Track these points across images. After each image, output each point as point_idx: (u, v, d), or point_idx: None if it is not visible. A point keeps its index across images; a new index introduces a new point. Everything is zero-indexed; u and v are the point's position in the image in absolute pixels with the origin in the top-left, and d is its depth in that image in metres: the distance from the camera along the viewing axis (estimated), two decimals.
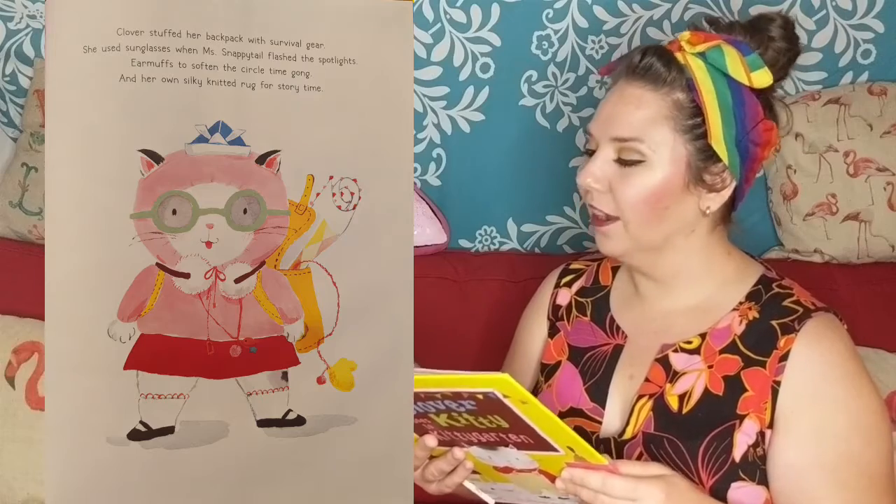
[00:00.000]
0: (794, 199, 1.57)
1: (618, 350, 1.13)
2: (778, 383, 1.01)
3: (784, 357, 1.01)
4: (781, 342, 1.02)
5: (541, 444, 0.90)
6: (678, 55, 1.05)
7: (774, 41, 1.06)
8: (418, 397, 0.88)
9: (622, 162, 1.04)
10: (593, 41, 1.60)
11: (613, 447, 1.07)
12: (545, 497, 0.98)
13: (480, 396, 0.85)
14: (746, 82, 1.03)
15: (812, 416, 0.99)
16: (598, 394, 1.12)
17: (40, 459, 1.42)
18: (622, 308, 1.17)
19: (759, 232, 1.64)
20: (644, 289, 1.14)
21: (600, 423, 1.10)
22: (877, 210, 1.52)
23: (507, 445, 0.92)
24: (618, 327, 1.15)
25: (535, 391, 1.20)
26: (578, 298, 1.22)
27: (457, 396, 0.86)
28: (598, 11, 1.57)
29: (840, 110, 1.54)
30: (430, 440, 0.95)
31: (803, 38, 1.56)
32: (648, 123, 1.03)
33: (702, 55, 1.04)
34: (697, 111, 1.03)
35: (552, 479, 0.94)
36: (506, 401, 0.85)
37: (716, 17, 1.11)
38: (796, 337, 1.01)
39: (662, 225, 1.05)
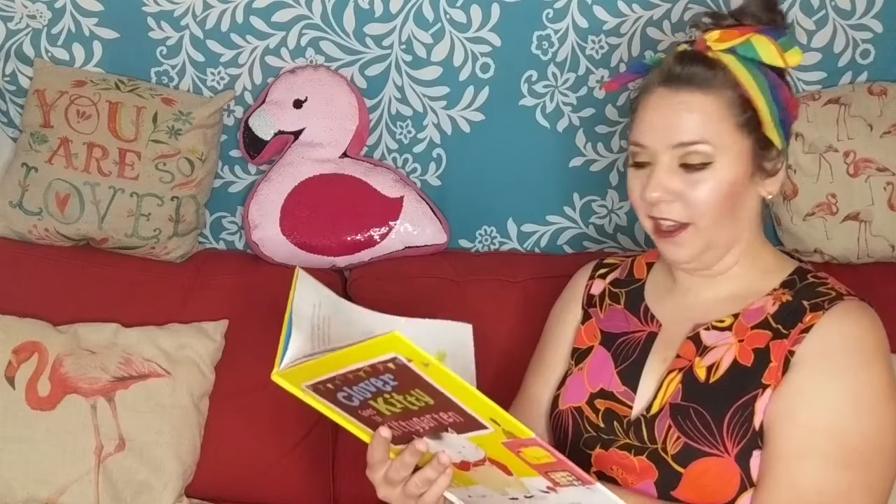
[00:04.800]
0: (794, 199, 1.57)
1: (651, 337, 1.15)
2: (792, 353, 1.02)
3: (806, 330, 1.03)
4: (808, 317, 1.04)
5: (470, 423, 0.89)
6: (710, 55, 1.07)
7: (760, 21, 1.09)
8: (346, 380, 0.88)
9: (688, 167, 1.05)
10: (593, 41, 1.60)
11: (644, 426, 1.08)
12: (513, 499, 0.98)
13: (392, 366, 0.84)
14: (782, 64, 1.06)
15: (811, 376, 1.01)
16: (630, 378, 1.13)
17: (40, 459, 1.42)
18: (657, 299, 1.19)
19: None
20: (685, 282, 1.16)
21: (630, 406, 1.11)
22: (877, 210, 1.52)
23: (446, 429, 0.91)
24: (652, 316, 1.17)
25: (566, 376, 1.21)
26: (612, 289, 1.24)
27: (374, 371, 0.86)
28: (598, 11, 1.58)
29: (840, 110, 1.54)
30: (385, 431, 0.93)
31: (803, 39, 1.57)
32: (709, 124, 1.05)
33: (731, 50, 1.06)
34: (747, 104, 1.05)
35: (506, 470, 0.93)
36: (411, 366, 0.84)
37: (713, 11, 1.14)
38: (824, 314, 1.03)
39: (734, 221, 1.08)
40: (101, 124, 1.59)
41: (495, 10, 1.59)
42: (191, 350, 1.50)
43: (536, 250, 1.73)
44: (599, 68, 1.62)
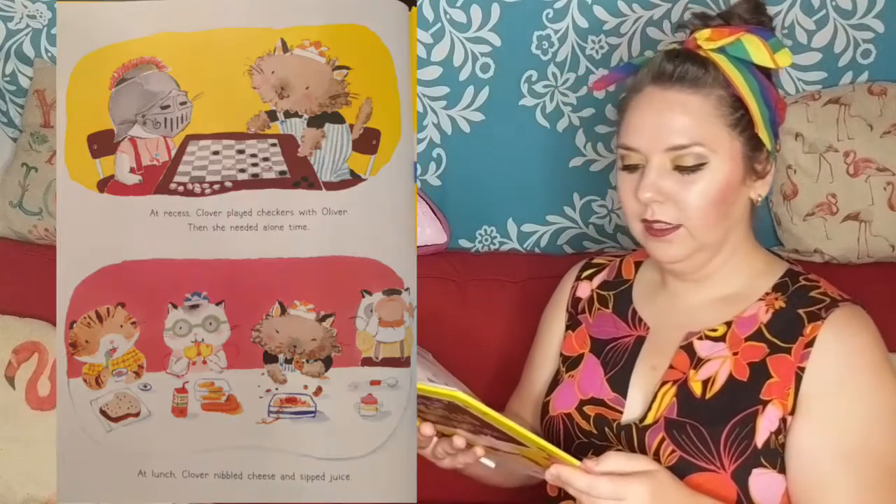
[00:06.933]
0: (794, 199, 1.57)
1: (640, 341, 1.14)
2: (802, 369, 1.01)
3: (810, 344, 1.01)
4: (808, 329, 1.02)
5: (513, 440, 0.92)
6: (700, 54, 1.06)
7: (748, 22, 1.08)
8: None
9: (682, 169, 1.04)
10: (593, 41, 1.60)
11: (635, 433, 1.07)
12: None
13: (446, 401, 0.91)
14: (772, 65, 1.05)
15: (832, 403, 0.99)
16: (620, 384, 1.12)
17: (40, 459, 1.42)
18: (645, 301, 1.18)
19: (760, 232, 1.62)
20: (674, 285, 1.15)
21: (621, 412, 1.10)
22: (877, 210, 1.52)
23: (485, 434, 0.95)
24: (640, 319, 1.16)
25: (556, 382, 1.21)
26: (600, 292, 1.24)
27: (425, 399, 0.93)
28: (598, 11, 1.57)
29: (840, 110, 1.54)
30: (427, 429, 1.00)
31: (803, 39, 1.57)
32: (702, 125, 1.04)
33: (721, 50, 1.05)
34: (738, 104, 1.05)
35: (537, 464, 0.96)
36: (468, 409, 0.89)
37: (701, 11, 1.13)
38: (823, 324, 1.02)
39: (725, 223, 1.07)
40: None
41: (495, 10, 1.58)
42: None
43: (536, 250, 1.73)
44: (599, 68, 1.61)
